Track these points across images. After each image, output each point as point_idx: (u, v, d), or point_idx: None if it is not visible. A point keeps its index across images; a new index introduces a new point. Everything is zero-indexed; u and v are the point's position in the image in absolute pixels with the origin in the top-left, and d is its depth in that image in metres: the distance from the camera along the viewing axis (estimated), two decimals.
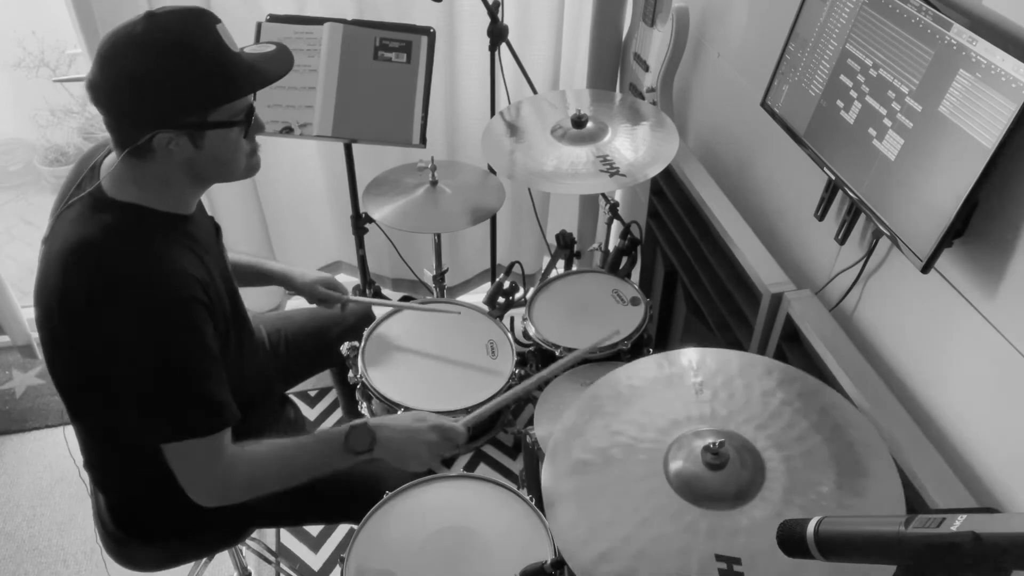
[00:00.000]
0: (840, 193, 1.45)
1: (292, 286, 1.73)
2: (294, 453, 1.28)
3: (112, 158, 1.21)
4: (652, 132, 1.83)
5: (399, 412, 1.32)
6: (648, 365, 1.23)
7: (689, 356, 1.24)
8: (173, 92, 1.12)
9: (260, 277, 1.70)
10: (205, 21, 1.15)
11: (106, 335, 1.14)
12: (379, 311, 1.85)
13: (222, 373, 1.22)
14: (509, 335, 1.77)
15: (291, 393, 1.83)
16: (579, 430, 1.15)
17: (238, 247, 2.43)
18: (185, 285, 1.17)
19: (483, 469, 2.27)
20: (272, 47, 1.25)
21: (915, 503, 1.17)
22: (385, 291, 2.61)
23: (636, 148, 1.78)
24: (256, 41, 1.95)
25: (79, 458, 1.41)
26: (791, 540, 0.77)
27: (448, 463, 2.23)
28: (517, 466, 2.27)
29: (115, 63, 1.11)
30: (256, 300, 2.56)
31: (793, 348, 1.51)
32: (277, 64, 1.22)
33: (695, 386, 1.21)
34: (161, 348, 1.14)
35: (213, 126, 1.16)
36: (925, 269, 1.18)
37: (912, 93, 1.21)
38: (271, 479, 1.27)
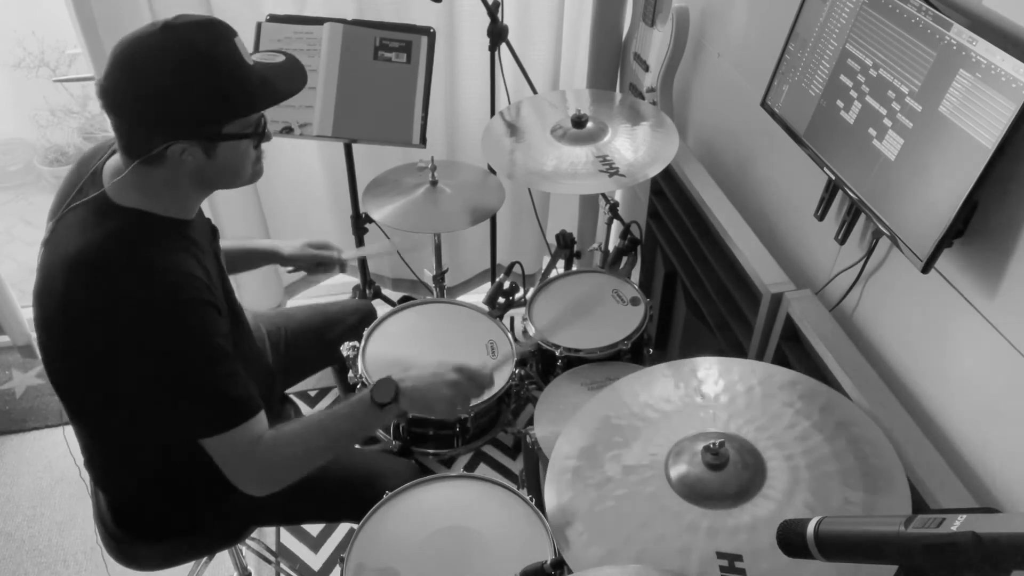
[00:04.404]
0: (840, 193, 1.45)
1: (282, 259, 1.72)
2: (331, 423, 1.28)
3: (115, 162, 1.21)
4: (652, 132, 1.83)
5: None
6: (665, 386, 1.23)
7: (694, 367, 1.25)
8: (192, 105, 1.13)
9: (250, 258, 1.69)
10: (224, 33, 1.16)
11: (112, 344, 1.14)
12: (380, 311, 1.85)
13: (235, 367, 1.21)
14: (509, 335, 1.77)
15: (291, 392, 1.83)
16: (595, 455, 1.16)
17: None
18: (191, 287, 1.17)
19: (483, 469, 2.28)
20: (281, 57, 1.26)
21: (915, 503, 1.17)
22: (385, 291, 2.61)
23: (636, 148, 1.78)
24: (256, 41, 1.95)
25: (79, 458, 1.41)
26: (791, 540, 0.77)
27: (447, 463, 2.23)
28: (517, 466, 2.27)
29: (133, 72, 1.11)
30: (257, 299, 2.56)
31: (793, 348, 1.51)
32: (294, 82, 1.24)
33: (695, 390, 1.21)
34: (167, 354, 1.14)
35: (228, 137, 1.18)
36: (925, 269, 1.18)
37: (912, 93, 1.21)
38: (315, 451, 1.27)
